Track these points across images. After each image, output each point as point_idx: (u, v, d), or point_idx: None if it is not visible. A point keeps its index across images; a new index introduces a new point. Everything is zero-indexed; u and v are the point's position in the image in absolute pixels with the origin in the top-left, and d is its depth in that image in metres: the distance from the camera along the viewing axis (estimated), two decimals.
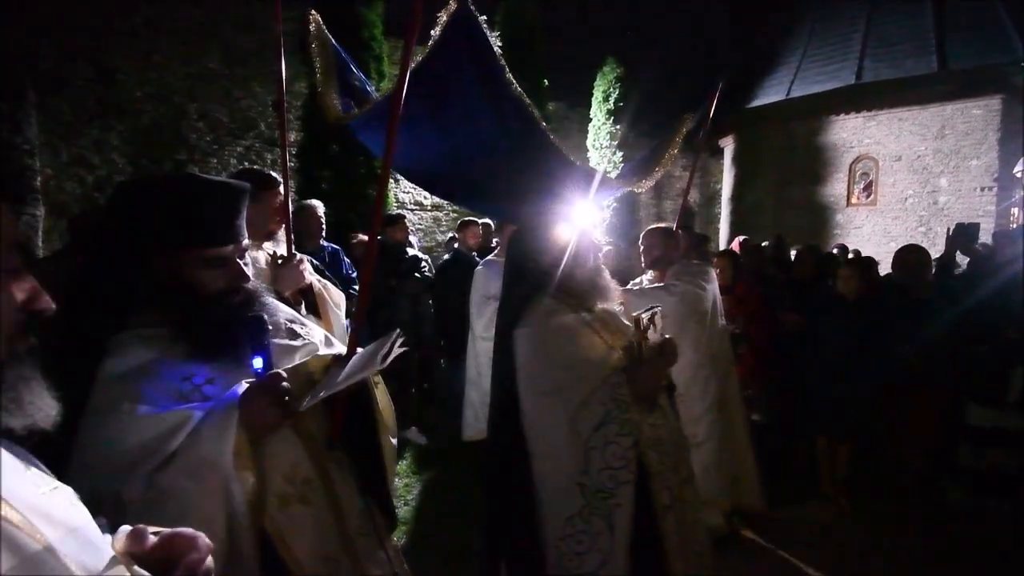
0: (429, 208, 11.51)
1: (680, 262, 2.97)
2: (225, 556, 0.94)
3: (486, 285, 3.42)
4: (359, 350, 1.28)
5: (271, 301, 1.22)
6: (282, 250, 2.04)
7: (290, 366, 1.15)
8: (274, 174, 2.04)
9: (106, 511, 0.89)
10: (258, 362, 1.06)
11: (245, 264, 1.14)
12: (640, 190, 2.57)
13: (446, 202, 11.92)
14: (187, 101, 7.73)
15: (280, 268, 1.94)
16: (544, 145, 2.10)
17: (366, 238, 5.20)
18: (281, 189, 2.02)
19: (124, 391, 0.99)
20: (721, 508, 2.91)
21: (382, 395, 1.39)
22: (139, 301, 1.07)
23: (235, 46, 8.12)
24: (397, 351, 1.20)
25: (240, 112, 8.32)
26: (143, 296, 1.07)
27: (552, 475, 1.51)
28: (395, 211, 7.89)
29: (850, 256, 6.07)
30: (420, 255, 4.78)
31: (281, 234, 2.06)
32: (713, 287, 2.95)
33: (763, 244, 5.25)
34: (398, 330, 1.22)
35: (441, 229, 11.34)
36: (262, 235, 2.00)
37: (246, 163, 8.40)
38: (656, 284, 2.89)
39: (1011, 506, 3.14)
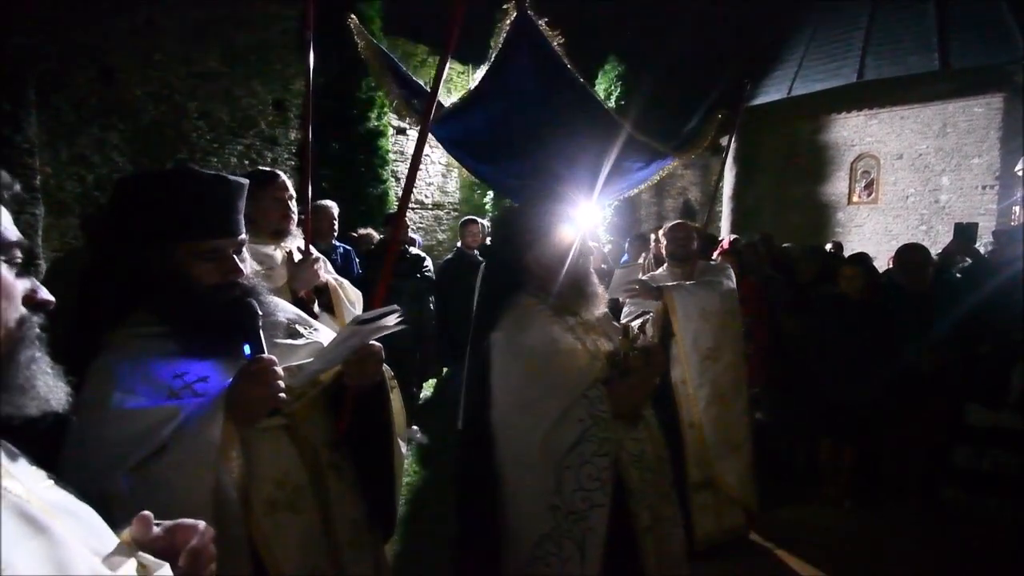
0: (430, 207, 11.51)
1: (701, 260, 2.95)
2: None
3: None
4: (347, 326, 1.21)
5: (271, 299, 1.19)
6: (295, 247, 2.02)
7: (294, 364, 1.12)
8: (278, 171, 2.02)
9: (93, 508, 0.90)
10: (247, 349, 1.03)
11: (243, 260, 1.12)
12: (684, 159, 2.58)
13: (446, 201, 11.92)
14: (188, 100, 7.73)
15: (296, 267, 1.91)
16: (611, 125, 2.16)
17: (367, 231, 5.23)
18: (287, 184, 2.00)
19: (113, 387, 0.98)
20: (748, 507, 2.86)
21: (396, 399, 1.34)
22: (136, 299, 1.07)
23: (236, 45, 8.11)
24: (392, 327, 1.13)
25: (240, 111, 8.32)
26: (140, 293, 1.06)
27: (523, 493, 1.40)
28: (396, 209, 7.89)
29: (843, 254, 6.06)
30: (422, 254, 4.79)
31: (296, 231, 2.04)
32: (734, 285, 2.94)
33: (751, 243, 5.19)
34: (395, 305, 1.16)
35: (442, 228, 11.34)
36: (269, 232, 1.97)
37: (247, 161, 8.40)
38: (693, 281, 2.80)
39: (1011, 507, 3.14)
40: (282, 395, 1.01)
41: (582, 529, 1.34)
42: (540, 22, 1.90)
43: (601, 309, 1.64)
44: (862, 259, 3.65)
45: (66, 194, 6.62)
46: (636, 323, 1.53)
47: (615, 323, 1.70)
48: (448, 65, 1.47)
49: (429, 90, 2.19)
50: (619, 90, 11.29)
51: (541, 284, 1.55)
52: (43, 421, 0.64)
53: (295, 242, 2.04)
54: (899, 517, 3.30)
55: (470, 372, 1.62)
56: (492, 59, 1.97)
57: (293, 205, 1.99)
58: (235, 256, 1.09)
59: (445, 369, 5.40)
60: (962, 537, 3.08)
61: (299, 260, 1.93)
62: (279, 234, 2.00)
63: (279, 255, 1.98)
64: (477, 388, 1.51)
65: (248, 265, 1.14)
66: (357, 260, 3.98)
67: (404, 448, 1.37)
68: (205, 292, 1.06)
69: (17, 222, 0.71)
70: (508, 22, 1.90)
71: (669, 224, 3.07)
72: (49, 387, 0.63)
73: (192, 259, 1.05)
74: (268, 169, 2.06)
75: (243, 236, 1.13)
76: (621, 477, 1.41)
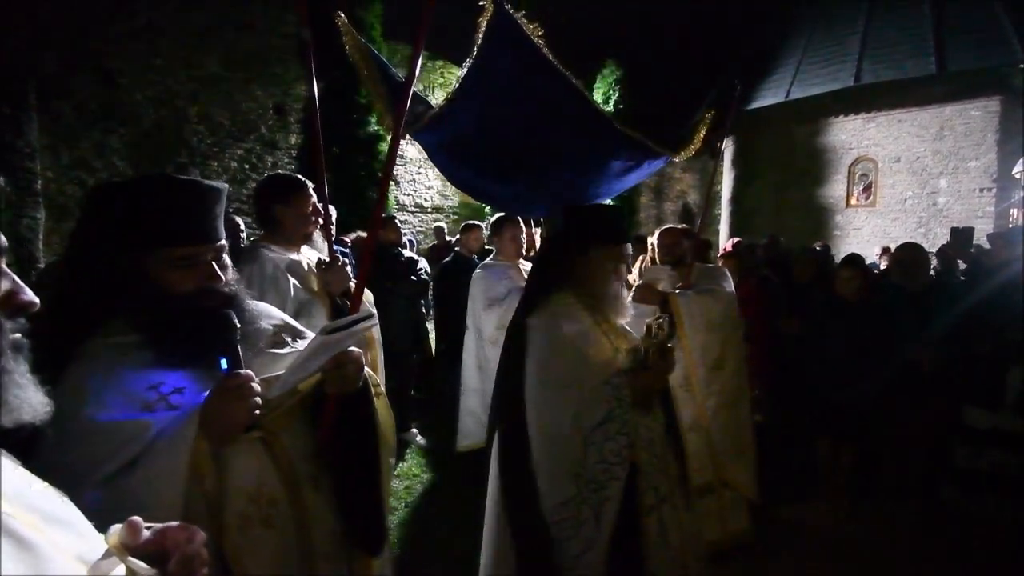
0: (429, 211, 11.55)
1: (696, 264, 2.95)
2: None
3: (489, 288, 3.36)
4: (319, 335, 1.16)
5: (255, 306, 1.18)
6: (314, 254, 2.08)
7: (272, 375, 1.09)
8: (304, 179, 2.08)
9: None
10: (224, 363, 1.01)
11: (223, 267, 1.09)
12: (679, 159, 2.52)
13: (446, 204, 11.94)
14: (188, 104, 7.78)
15: (327, 272, 2.00)
16: (599, 123, 2.14)
17: (359, 235, 5.24)
18: (312, 191, 2.05)
19: (86, 399, 0.96)
20: (756, 504, 2.87)
21: (383, 407, 1.30)
22: (112, 308, 1.04)
23: (236, 49, 8.17)
24: (363, 328, 1.12)
25: (241, 115, 8.36)
26: (115, 302, 1.03)
27: (551, 462, 1.56)
28: (396, 213, 7.94)
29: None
30: (416, 257, 4.80)
31: (317, 237, 2.10)
32: (733, 289, 2.95)
33: (750, 244, 5.21)
34: (371, 310, 1.16)
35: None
36: (299, 238, 2.05)
37: (246, 166, 8.43)
38: (703, 287, 2.81)
39: (1009, 507, 3.14)
40: (258, 411, 0.99)
41: (600, 498, 1.50)
42: (518, 16, 1.87)
43: (627, 318, 1.80)
44: (855, 260, 3.65)
45: (67, 198, 6.64)
46: (655, 323, 1.65)
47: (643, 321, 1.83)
48: (420, 63, 1.46)
49: (426, 97, 2.18)
50: (617, 94, 11.35)
51: (581, 285, 1.73)
52: (18, 433, 0.62)
53: (313, 249, 2.11)
54: (899, 517, 3.30)
55: (506, 352, 1.74)
56: (471, 58, 1.95)
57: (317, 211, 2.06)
58: (214, 262, 1.06)
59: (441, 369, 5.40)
60: (962, 537, 3.08)
61: (327, 264, 2.01)
62: (306, 239, 2.08)
63: (304, 261, 2.05)
64: (512, 366, 1.65)
65: (230, 271, 1.11)
66: (352, 264, 4.01)
67: (392, 459, 1.35)
68: (180, 299, 1.03)
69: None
70: (485, 19, 1.86)
71: (659, 230, 3.09)
72: (21, 399, 0.60)
73: (166, 266, 1.02)
74: (295, 176, 2.10)
75: (222, 242, 1.09)
76: (633, 459, 1.57)
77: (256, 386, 0.99)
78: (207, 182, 1.10)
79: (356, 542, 1.25)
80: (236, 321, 1.05)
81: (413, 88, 1.42)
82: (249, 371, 1.01)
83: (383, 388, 1.38)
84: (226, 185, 1.13)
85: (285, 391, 1.09)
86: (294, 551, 1.10)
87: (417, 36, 1.40)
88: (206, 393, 0.99)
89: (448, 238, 8.31)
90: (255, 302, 1.19)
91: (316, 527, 1.13)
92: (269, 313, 1.26)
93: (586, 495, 1.50)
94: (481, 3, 1.82)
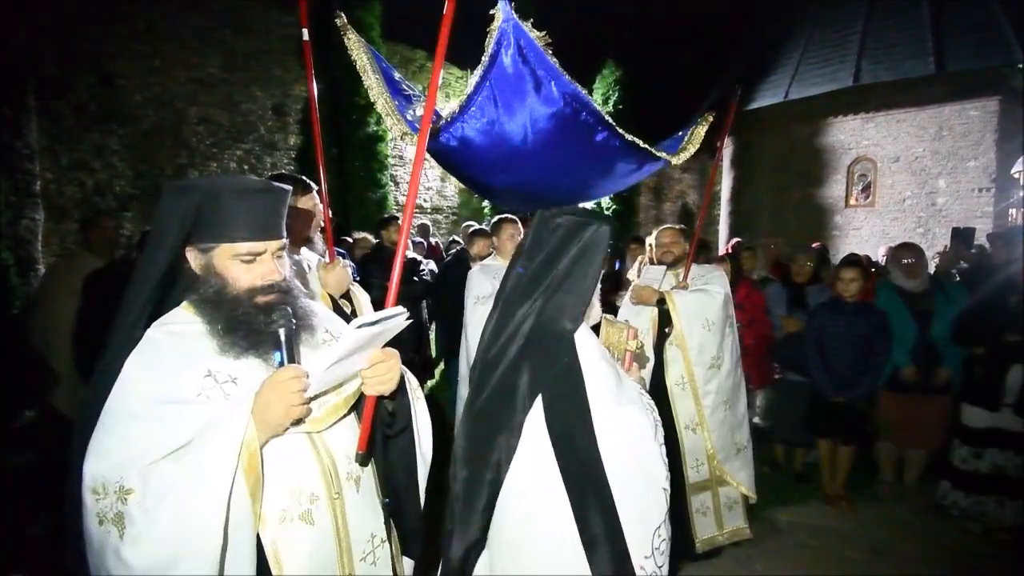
0: (428, 211, 11.55)
1: (693, 264, 2.95)
2: (219, 560, 0.93)
3: (476, 287, 3.41)
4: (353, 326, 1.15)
5: (308, 303, 1.21)
6: (313, 257, 2.10)
7: (319, 372, 1.10)
8: (309, 181, 2.09)
9: (110, 500, 0.93)
10: (278, 356, 1.05)
11: (283, 264, 1.14)
12: (677, 162, 2.53)
13: (445, 205, 11.95)
14: (187, 105, 7.78)
15: (328, 272, 2.02)
16: (609, 131, 2.16)
17: (363, 236, 5.23)
18: (316, 195, 2.06)
19: (144, 383, 1.00)
20: (753, 502, 2.90)
21: (423, 410, 1.32)
22: (177, 297, 1.10)
23: (235, 51, 8.17)
24: (395, 325, 1.11)
25: (240, 116, 8.37)
26: (178, 292, 1.10)
27: (640, 486, 1.29)
28: (396, 213, 7.94)
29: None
30: (418, 257, 4.81)
31: (317, 238, 2.12)
32: (728, 290, 2.96)
33: (750, 247, 5.17)
34: (401, 307, 1.14)
35: (440, 231, 11.36)
36: (301, 240, 2.06)
37: (246, 167, 8.44)
38: (700, 287, 2.82)
39: (1008, 507, 3.14)
40: (306, 406, 1.03)
41: (667, 512, 1.30)
42: (525, 24, 1.90)
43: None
44: (855, 260, 3.65)
45: (66, 199, 6.64)
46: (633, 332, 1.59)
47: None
48: (443, 70, 1.47)
49: (424, 95, 2.20)
50: (616, 95, 11.35)
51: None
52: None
53: (313, 248, 2.13)
54: (899, 517, 3.31)
55: (560, 373, 1.40)
56: (481, 65, 1.98)
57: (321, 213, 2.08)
58: (275, 259, 1.12)
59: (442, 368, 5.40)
60: (962, 537, 3.09)
61: (328, 265, 2.04)
62: (307, 242, 2.09)
63: (304, 263, 2.07)
64: (565, 380, 1.34)
65: (287, 268, 1.16)
66: (352, 265, 4.02)
67: (428, 463, 1.34)
68: (243, 292, 1.07)
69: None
70: (495, 26, 1.89)
71: (657, 230, 3.09)
72: None
73: (231, 260, 1.07)
74: (301, 177, 2.11)
75: (284, 240, 1.14)
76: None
77: (307, 381, 1.03)
78: (275, 184, 1.15)
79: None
80: (292, 317, 1.09)
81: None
82: (301, 366, 1.05)
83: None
84: (290, 187, 1.17)
85: (323, 388, 1.10)
86: (333, 551, 1.11)
87: (436, 57, 1.41)
88: (259, 384, 1.03)
89: (433, 240, 8.29)
90: (308, 300, 1.22)
91: (355, 527, 1.15)
92: (320, 311, 1.29)
93: (666, 511, 1.29)
94: (491, 12, 1.84)
